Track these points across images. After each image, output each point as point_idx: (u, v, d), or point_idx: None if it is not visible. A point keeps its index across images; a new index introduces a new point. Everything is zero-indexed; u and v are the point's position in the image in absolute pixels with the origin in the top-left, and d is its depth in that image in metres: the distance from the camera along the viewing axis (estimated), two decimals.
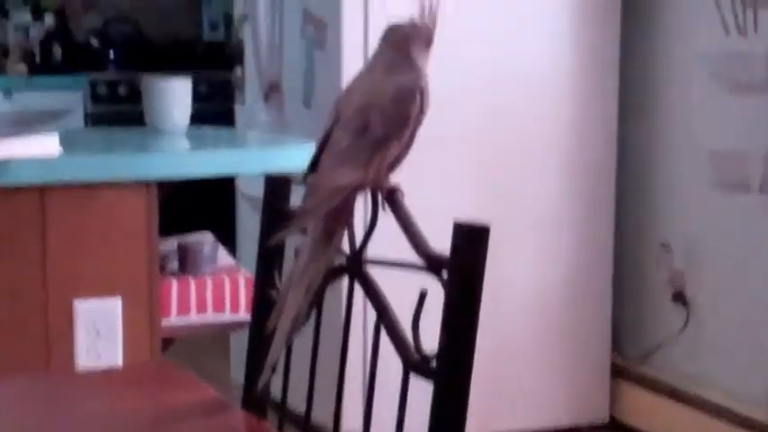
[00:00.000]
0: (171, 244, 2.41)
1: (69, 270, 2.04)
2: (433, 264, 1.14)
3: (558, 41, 3.14)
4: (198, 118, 2.59)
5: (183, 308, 2.27)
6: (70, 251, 2.04)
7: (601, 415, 3.29)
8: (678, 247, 3.15)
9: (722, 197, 2.99)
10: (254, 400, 1.43)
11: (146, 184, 2.07)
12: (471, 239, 1.11)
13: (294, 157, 2.15)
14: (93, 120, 4.90)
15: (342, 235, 1.25)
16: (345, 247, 1.28)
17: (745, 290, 2.94)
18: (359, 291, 1.26)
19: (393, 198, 1.22)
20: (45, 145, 2.00)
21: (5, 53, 5.12)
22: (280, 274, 1.43)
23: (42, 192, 2.00)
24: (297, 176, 1.36)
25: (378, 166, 1.20)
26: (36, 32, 5.19)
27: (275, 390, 1.38)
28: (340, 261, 1.28)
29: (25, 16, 5.21)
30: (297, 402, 1.39)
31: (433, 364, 1.14)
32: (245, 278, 2.33)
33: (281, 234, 1.28)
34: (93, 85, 4.92)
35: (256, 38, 3.42)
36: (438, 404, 1.12)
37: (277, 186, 1.45)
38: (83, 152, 2.18)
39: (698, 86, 3.06)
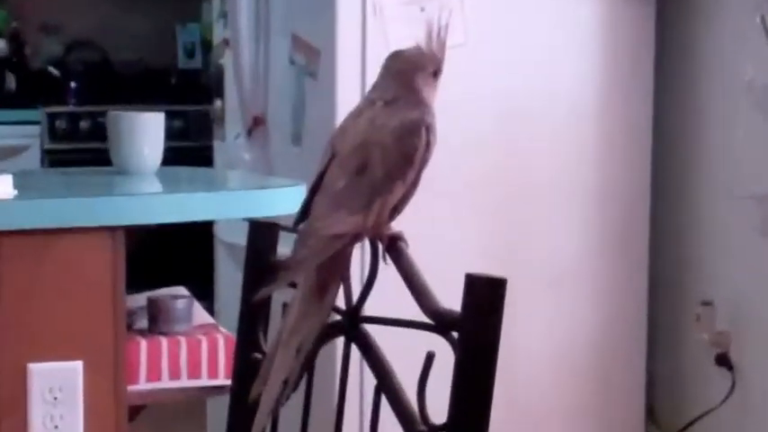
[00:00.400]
0: (140, 299, 2.41)
1: (23, 329, 2.04)
2: (441, 322, 1.15)
3: (585, 73, 3.15)
4: (171, 157, 2.60)
5: (154, 373, 2.26)
6: (24, 307, 2.04)
7: None
8: (721, 303, 3.15)
9: None
10: None
11: (111, 231, 2.08)
12: (486, 294, 1.11)
13: (281, 200, 2.15)
14: (51, 158, 4.92)
15: (337, 289, 1.26)
16: (341, 302, 1.29)
17: None
18: (356, 353, 1.27)
19: (395, 247, 1.23)
20: None
21: None
22: (265, 334, 1.44)
23: None
24: (285, 222, 1.37)
25: (378, 212, 1.20)
26: None
27: None
28: (334, 319, 1.29)
29: None
30: None
31: None
32: (224, 338, 2.33)
33: (267, 288, 1.28)
34: (52, 120, 4.95)
35: (238, 66, 3.45)
36: None
37: (262, 233, 1.46)
38: (39, 195, 2.18)
39: (743, 120, 3.08)
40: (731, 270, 3.13)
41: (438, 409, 1.16)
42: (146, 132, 2.45)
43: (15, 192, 2.03)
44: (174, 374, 2.28)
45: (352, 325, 1.27)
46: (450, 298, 1.15)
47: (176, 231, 2.38)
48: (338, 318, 1.29)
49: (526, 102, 3.11)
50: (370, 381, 1.23)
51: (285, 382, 1.23)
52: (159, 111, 2.55)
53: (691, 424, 3.24)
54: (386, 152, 1.20)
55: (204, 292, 2.94)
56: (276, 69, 3.28)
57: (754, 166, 3.06)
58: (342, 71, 2.94)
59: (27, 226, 2.02)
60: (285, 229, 1.39)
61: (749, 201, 3.06)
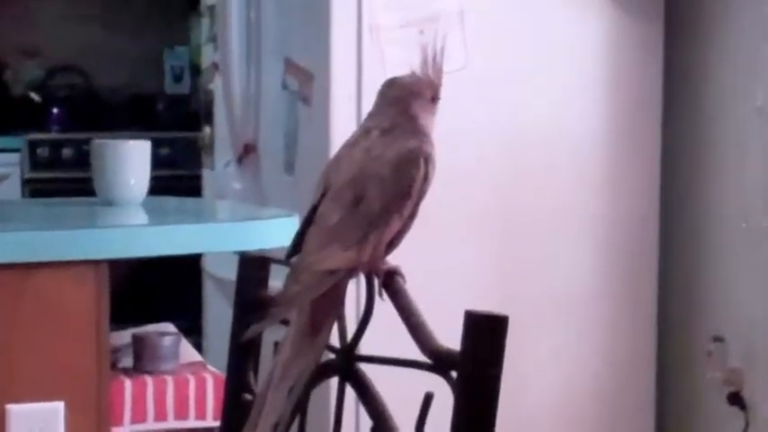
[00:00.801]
0: (124, 336, 2.41)
1: (1, 368, 2.03)
2: (440, 361, 1.15)
3: (592, 99, 3.15)
4: (158, 186, 2.60)
5: (139, 414, 2.26)
6: (3, 345, 2.03)
7: None
8: (734, 340, 3.15)
9: None
10: None
11: (95, 265, 2.07)
12: (486, 332, 1.11)
13: (273, 232, 2.15)
14: (31, 188, 4.92)
15: (331, 327, 1.26)
16: (335, 341, 1.28)
17: None
18: (351, 393, 1.26)
19: (392, 283, 1.23)
20: None
21: None
22: (256, 374, 1.43)
23: None
24: (277, 256, 1.37)
25: (374, 246, 1.21)
26: None
27: None
28: (328, 358, 1.29)
29: None
30: None
31: None
32: (213, 377, 2.33)
33: (257, 326, 1.28)
34: (33, 147, 4.95)
35: (228, 91, 3.45)
36: None
37: (253, 267, 1.45)
38: (19, 226, 2.18)
39: (755, 148, 3.08)
40: (743, 304, 3.13)
41: None
42: (131, 161, 2.45)
43: None
44: (161, 416, 2.28)
45: (347, 364, 1.27)
46: (451, 335, 1.15)
47: (163, 265, 2.39)
48: (332, 356, 1.29)
49: (529, 129, 3.11)
50: (366, 423, 1.23)
51: (276, 425, 1.22)
52: (145, 138, 2.55)
53: None
54: (382, 184, 1.21)
55: (192, 329, 2.93)
56: (268, 94, 3.29)
57: (766, 196, 3.06)
58: (336, 96, 2.95)
59: (6, 260, 2.02)
60: (277, 261, 1.39)
61: (761, 232, 3.06)
